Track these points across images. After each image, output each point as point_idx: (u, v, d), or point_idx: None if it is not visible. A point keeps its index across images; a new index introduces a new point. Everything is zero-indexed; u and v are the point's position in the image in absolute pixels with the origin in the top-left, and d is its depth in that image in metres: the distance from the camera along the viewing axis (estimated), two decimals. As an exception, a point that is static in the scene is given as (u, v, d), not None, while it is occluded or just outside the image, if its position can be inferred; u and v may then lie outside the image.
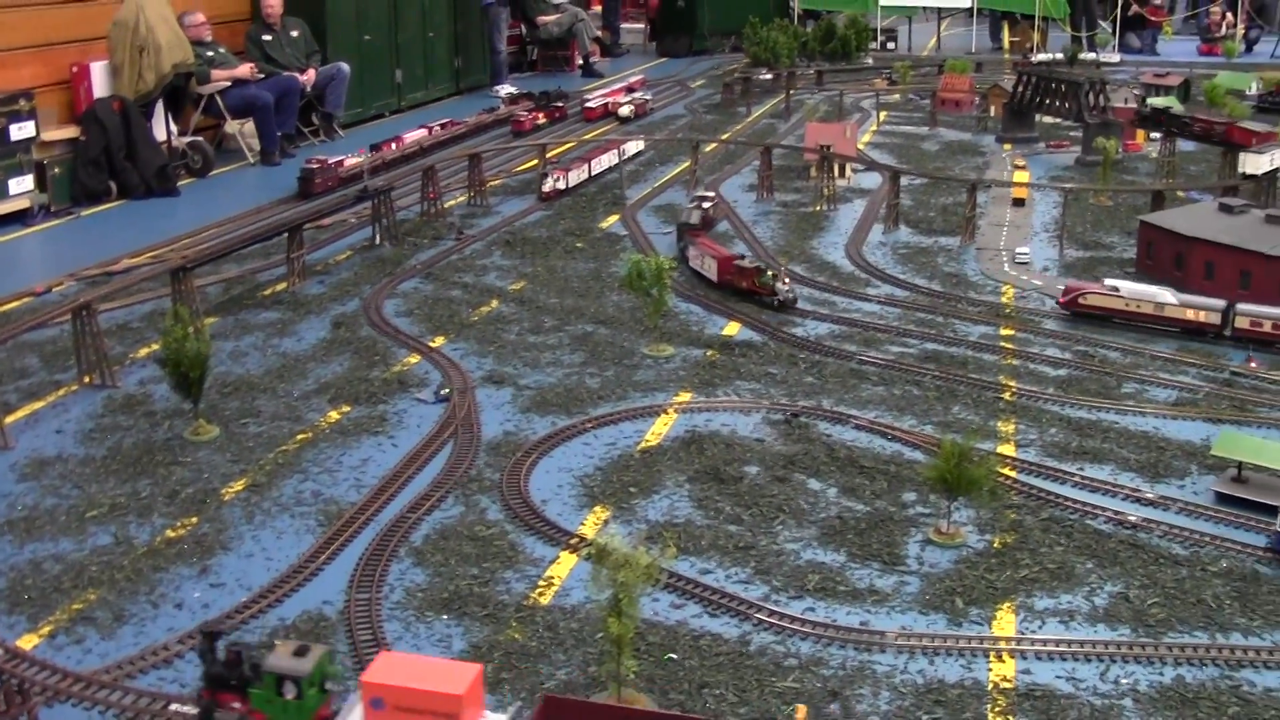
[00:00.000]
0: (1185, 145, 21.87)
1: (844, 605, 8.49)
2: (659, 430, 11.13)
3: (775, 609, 8.40)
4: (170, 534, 9.37)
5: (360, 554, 9.00)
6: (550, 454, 10.66)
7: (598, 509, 9.73)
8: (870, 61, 33.94)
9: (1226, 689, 7.71)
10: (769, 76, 29.94)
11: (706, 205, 17.09)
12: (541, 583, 8.71)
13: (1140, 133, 23.26)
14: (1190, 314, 13.61)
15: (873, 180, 20.16)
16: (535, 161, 20.38)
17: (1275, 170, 17.86)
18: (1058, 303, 14.29)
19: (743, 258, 15.08)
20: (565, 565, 8.92)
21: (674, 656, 7.88)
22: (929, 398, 11.87)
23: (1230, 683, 7.78)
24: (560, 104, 26.46)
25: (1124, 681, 7.76)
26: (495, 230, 17.63)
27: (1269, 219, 14.89)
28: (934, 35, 40.50)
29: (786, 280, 14.45)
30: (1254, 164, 17.89)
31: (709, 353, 12.89)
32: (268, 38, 23.43)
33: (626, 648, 7.22)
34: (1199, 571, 8.98)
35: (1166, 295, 13.75)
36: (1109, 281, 14.11)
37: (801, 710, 6.80)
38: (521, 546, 9.19)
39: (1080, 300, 14.03)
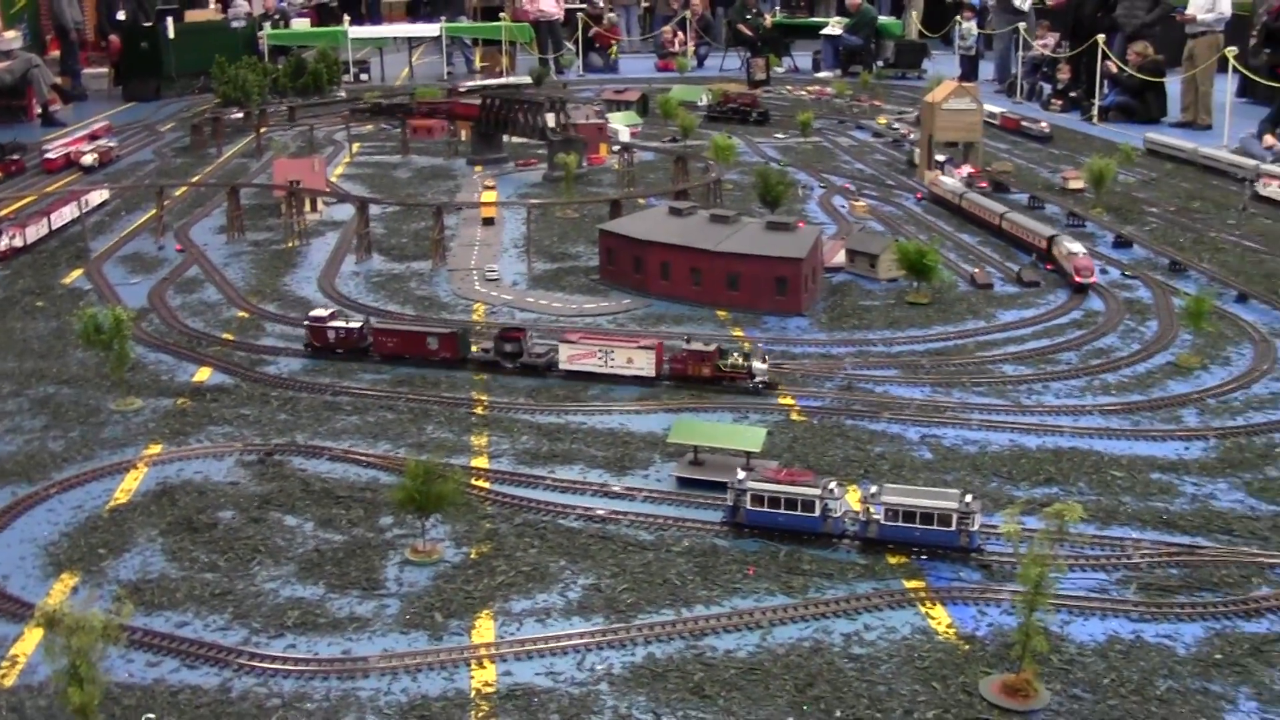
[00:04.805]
0: (645, 155, 23.12)
1: (325, 637, 8.50)
2: (129, 486, 10.75)
3: (255, 651, 8.31)
4: None
5: None
6: (11, 526, 10.10)
7: (65, 576, 9.30)
8: (343, 94, 33.93)
9: (692, 658, 8.26)
10: (240, 115, 29.44)
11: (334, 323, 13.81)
12: (5, 663, 8.25)
13: (604, 146, 24.38)
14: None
15: (346, 212, 20.17)
16: (-14, 221, 19.21)
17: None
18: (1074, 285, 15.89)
19: (688, 339, 13.28)
20: (31, 641, 8.46)
21: (152, 716, 7.66)
22: (403, 421, 12.03)
23: (695, 651, 8.33)
24: (17, 156, 25.00)
25: (599, 668, 8.16)
26: (-55, 297, 16.51)
27: (714, 218, 15.95)
28: (406, 64, 41.01)
29: (765, 358, 12.81)
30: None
31: (179, 401, 12.55)
32: None
33: (93, 716, 6.98)
34: (664, 553, 9.56)
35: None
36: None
37: None
38: (-19, 628, 8.69)
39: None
